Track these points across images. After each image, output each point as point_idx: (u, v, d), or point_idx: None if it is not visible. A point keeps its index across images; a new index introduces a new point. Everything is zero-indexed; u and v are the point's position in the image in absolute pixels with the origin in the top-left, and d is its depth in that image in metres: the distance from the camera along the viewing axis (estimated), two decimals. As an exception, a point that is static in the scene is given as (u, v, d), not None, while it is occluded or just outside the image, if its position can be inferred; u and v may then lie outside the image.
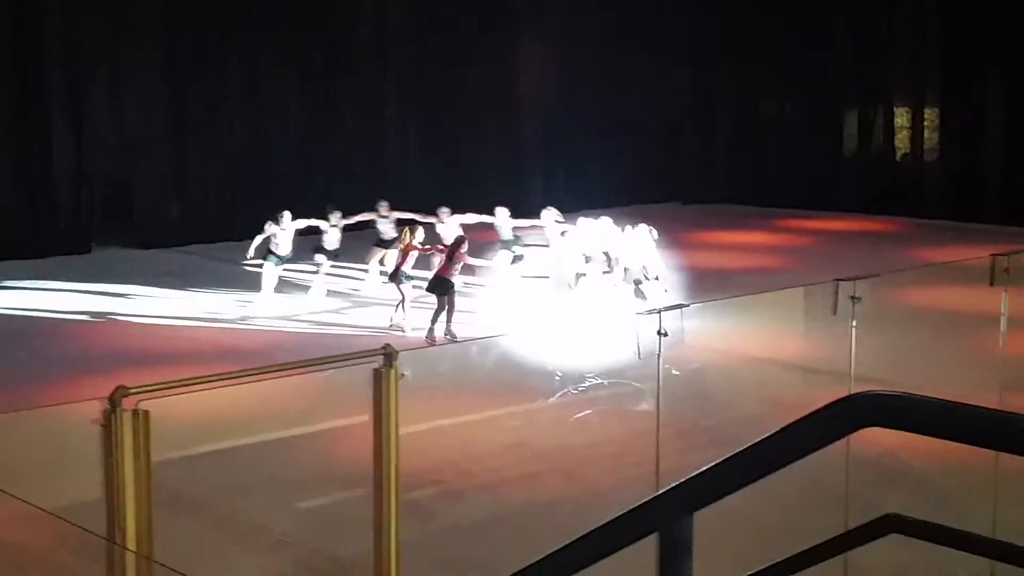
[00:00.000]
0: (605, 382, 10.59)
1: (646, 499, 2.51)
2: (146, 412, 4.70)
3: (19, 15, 18.87)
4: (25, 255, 18.47)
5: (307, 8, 21.94)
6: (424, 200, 22.30)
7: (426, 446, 8.86)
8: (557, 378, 10.65)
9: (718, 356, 12.35)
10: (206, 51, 21.00)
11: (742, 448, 2.31)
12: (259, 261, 15.22)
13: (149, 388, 4.80)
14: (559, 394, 10.46)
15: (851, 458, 7.11)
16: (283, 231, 15.02)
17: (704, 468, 2.34)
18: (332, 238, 15.62)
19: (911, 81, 25.64)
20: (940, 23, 24.90)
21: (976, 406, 1.95)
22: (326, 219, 15.66)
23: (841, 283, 7.38)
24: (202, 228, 20.80)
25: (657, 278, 14.63)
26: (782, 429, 2.24)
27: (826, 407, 2.15)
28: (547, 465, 9.37)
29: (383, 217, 16.25)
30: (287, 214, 15.15)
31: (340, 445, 9.14)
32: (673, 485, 2.40)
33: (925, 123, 25.49)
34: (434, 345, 12.68)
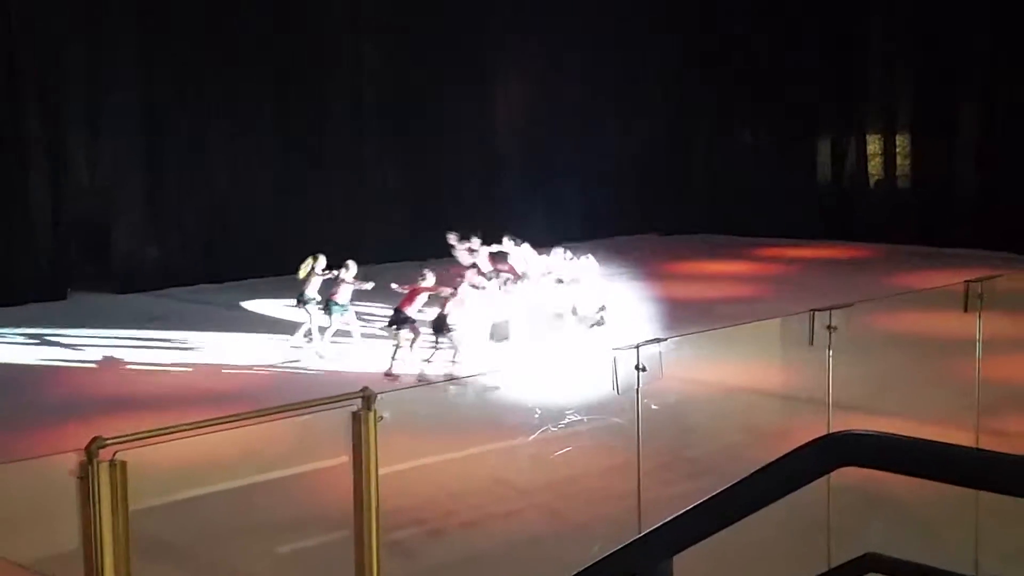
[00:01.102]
0: (584, 418, 10.57)
1: (625, 544, 2.51)
2: (123, 463, 4.65)
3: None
4: (2, 302, 18.34)
5: (284, 50, 21.98)
6: (402, 234, 22.49)
7: (407, 486, 8.83)
8: (536, 415, 10.64)
9: (697, 388, 12.36)
10: (182, 94, 20.98)
11: (720, 491, 2.32)
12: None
13: (126, 438, 4.75)
14: (539, 431, 10.44)
15: (832, 485, 7.12)
16: (347, 281, 14.61)
17: (682, 511, 2.34)
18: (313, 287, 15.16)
19: (883, 108, 25.89)
20: (912, 51, 25.16)
21: (951, 444, 1.96)
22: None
23: (817, 313, 7.41)
24: (179, 272, 20.73)
25: (602, 308, 14.96)
26: (759, 471, 2.24)
27: (802, 448, 2.16)
28: (529, 502, 9.34)
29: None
30: (352, 263, 14.66)
31: (320, 488, 9.08)
32: (652, 529, 2.39)
33: (898, 150, 25.72)
34: (395, 380, 12.71)
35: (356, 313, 14.91)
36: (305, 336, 14.77)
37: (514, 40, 25.45)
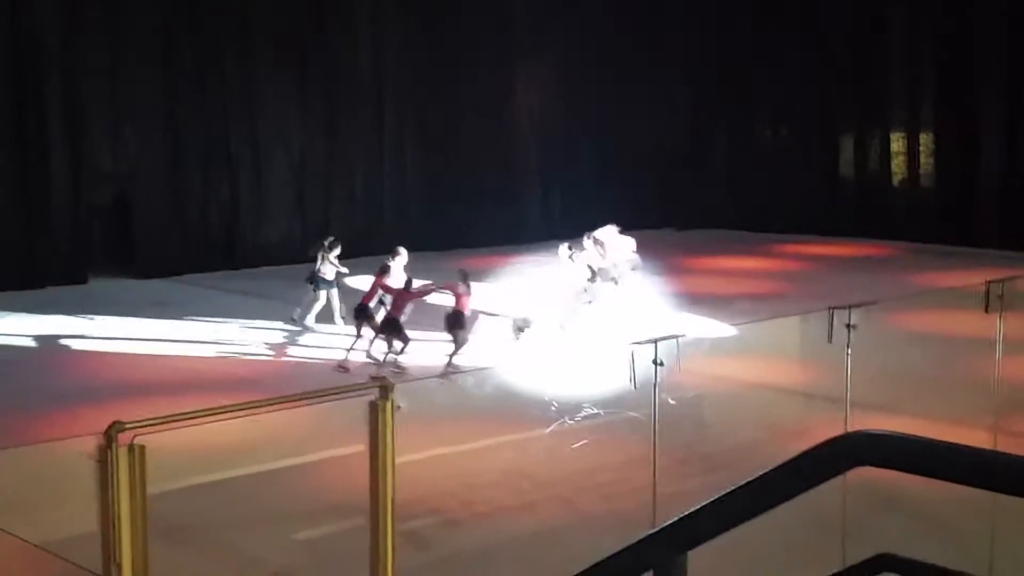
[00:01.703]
0: (601, 412, 10.58)
1: (640, 538, 2.51)
2: (142, 447, 4.68)
3: (17, 46, 18.91)
4: (22, 286, 18.47)
5: (305, 39, 22.04)
6: (421, 227, 22.52)
7: (423, 476, 8.85)
8: (553, 408, 10.64)
9: (715, 383, 12.35)
10: (205, 81, 21.05)
11: (735, 487, 2.32)
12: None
13: (145, 423, 4.78)
14: (556, 423, 10.45)
15: (848, 482, 7.10)
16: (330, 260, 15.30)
17: (698, 507, 2.34)
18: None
19: (907, 106, 25.75)
20: (936, 48, 25.02)
21: (968, 446, 1.96)
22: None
23: (836, 311, 7.39)
24: (200, 258, 20.83)
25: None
26: (775, 468, 2.24)
27: (819, 447, 2.16)
28: (545, 494, 9.35)
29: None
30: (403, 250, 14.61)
31: (336, 475, 9.12)
32: (668, 524, 2.40)
33: (921, 148, 25.56)
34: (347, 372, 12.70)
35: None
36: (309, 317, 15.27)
37: (535, 34, 25.40)
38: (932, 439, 2.02)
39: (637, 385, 6.56)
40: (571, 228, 24.82)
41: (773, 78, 26.59)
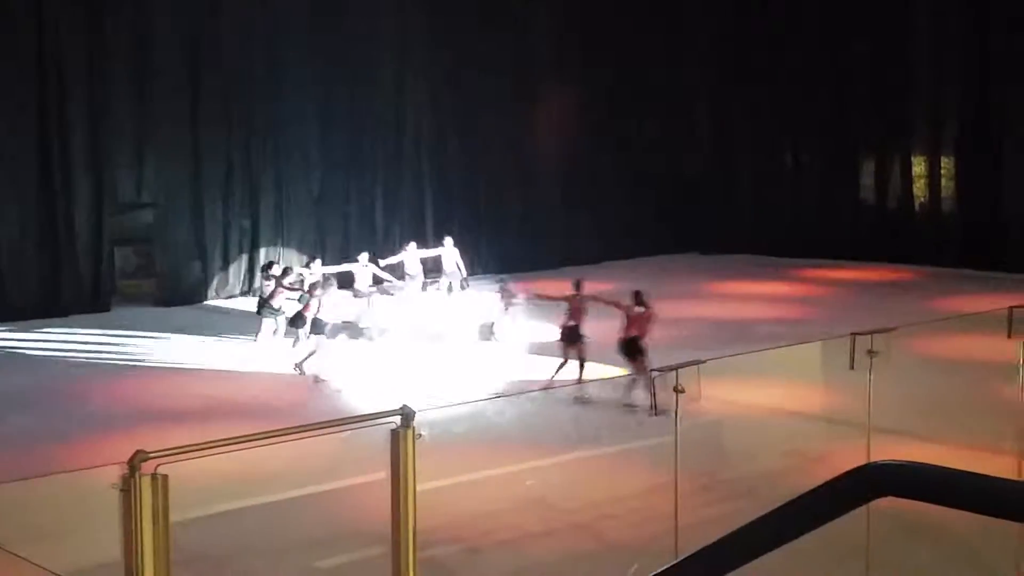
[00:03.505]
0: (621, 438, 10.55)
1: (665, 567, 2.51)
2: (165, 476, 4.70)
3: (43, 78, 19.10)
4: (47, 314, 18.59)
5: (328, 68, 22.13)
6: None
7: (444, 503, 8.84)
8: (574, 435, 10.63)
9: (737, 409, 12.29)
10: (227, 111, 21.17)
11: (757, 518, 2.32)
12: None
13: (168, 452, 4.81)
14: (577, 450, 10.43)
15: (871, 509, 7.05)
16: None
17: (721, 537, 2.34)
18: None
19: (928, 130, 25.66)
20: (957, 72, 24.96)
21: (992, 477, 1.95)
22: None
23: (858, 337, 7.36)
24: (221, 284, 20.95)
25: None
26: (797, 499, 2.24)
27: (840, 477, 2.15)
28: (566, 521, 9.32)
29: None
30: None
31: (357, 503, 9.12)
32: (690, 555, 2.39)
33: (943, 171, 25.46)
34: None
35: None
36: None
37: (556, 60, 25.49)
38: (953, 469, 2.02)
39: (658, 411, 6.55)
40: (595, 253, 24.98)
41: (796, 103, 26.58)
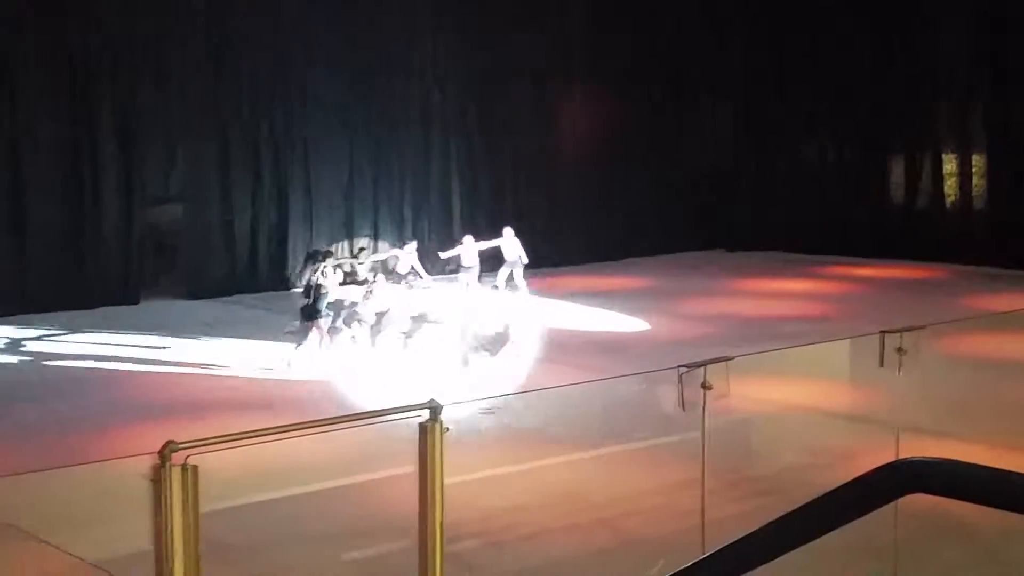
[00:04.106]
0: (648, 434, 10.54)
1: (692, 563, 2.51)
2: (195, 467, 4.76)
3: (72, 72, 19.25)
4: (75, 306, 18.73)
5: (357, 62, 22.20)
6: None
7: (470, 497, 8.86)
8: (600, 430, 10.63)
9: (765, 406, 12.26)
10: (256, 106, 21.28)
11: (786, 514, 2.32)
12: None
13: (198, 443, 4.86)
14: (604, 446, 10.43)
15: (899, 507, 7.02)
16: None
17: (749, 533, 2.34)
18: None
19: (958, 126, 25.46)
20: (988, 69, 24.77)
21: (1021, 474, 1.95)
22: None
23: (887, 335, 7.33)
24: (249, 278, 21.05)
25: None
26: (826, 495, 2.24)
27: (870, 473, 2.15)
28: (592, 516, 9.32)
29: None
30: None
31: (384, 496, 9.15)
32: (717, 550, 2.40)
33: (973, 169, 25.27)
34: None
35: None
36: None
37: (583, 55, 25.46)
38: (985, 466, 2.01)
39: (685, 407, 6.56)
40: (620, 249, 24.95)
41: (823, 98, 26.44)
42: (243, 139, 21.18)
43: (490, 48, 23.81)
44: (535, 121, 24.69)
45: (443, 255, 19.17)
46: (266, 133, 21.45)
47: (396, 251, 19.06)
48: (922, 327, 7.62)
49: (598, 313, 18.54)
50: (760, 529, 2.40)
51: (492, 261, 19.99)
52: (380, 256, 19.48)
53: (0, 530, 7.80)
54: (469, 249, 19.37)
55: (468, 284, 19.35)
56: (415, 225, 23.00)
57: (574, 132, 25.73)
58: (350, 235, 22.21)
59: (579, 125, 25.80)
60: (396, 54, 22.76)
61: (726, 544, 2.50)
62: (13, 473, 8.82)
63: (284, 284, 21.18)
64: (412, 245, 19.00)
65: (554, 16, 24.97)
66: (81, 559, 5.80)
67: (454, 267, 19.54)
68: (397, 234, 22.25)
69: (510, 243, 19.71)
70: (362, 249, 19.98)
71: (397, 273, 18.02)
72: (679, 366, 6.61)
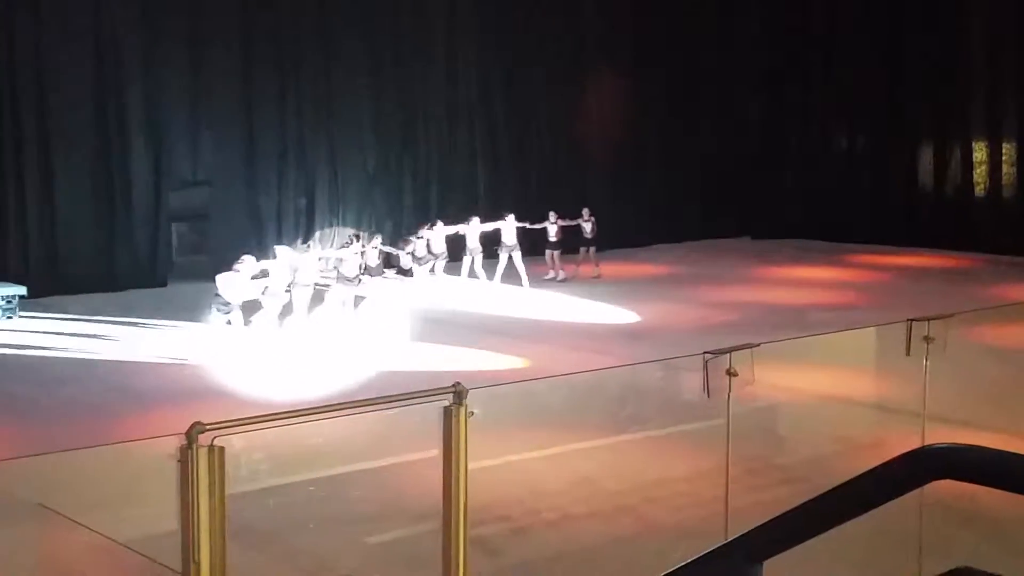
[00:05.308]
0: (672, 421, 10.53)
1: (714, 547, 2.51)
2: (221, 448, 4.77)
3: (99, 57, 19.35)
4: (103, 288, 18.86)
5: (381, 46, 22.24)
6: (487, 236, 22.59)
7: (493, 482, 8.88)
8: (624, 416, 10.63)
9: (790, 394, 12.23)
10: (282, 89, 21.37)
11: (811, 498, 2.31)
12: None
13: (224, 424, 4.87)
14: (627, 432, 10.43)
15: (923, 495, 7.00)
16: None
17: (773, 518, 2.34)
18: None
19: (989, 114, 25.23)
20: (1018, 56, 24.54)
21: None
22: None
23: (915, 323, 7.29)
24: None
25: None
26: (852, 480, 2.23)
27: (897, 459, 2.14)
28: (615, 503, 9.33)
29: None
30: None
31: (408, 479, 9.18)
32: (741, 534, 2.40)
33: (1004, 158, 25.04)
34: None
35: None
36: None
37: (607, 42, 25.38)
38: (1013, 452, 2.00)
39: (710, 394, 6.55)
40: (647, 237, 24.87)
41: (850, 85, 26.26)
42: (268, 124, 21.25)
43: (516, 33, 23.78)
44: (560, 107, 24.64)
45: (447, 231, 19.15)
46: (291, 118, 21.52)
47: (463, 226, 19.41)
48: (950, 315, 7.58)
49: (623, 299, 18.52)
50: (783, 514, 2.39)
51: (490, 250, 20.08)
52: (451, 229, 19.37)
53: (29, 510, 7.87)
54: (438, 235, 19.07)
55: (433, 271, 19.17)
56: (440, 208, 23.01)
57: (598, 119, 25.66)
58: (378, 217, 22.24)
59: (603, 112, 25.73)
60: (420, 43, 22.78)
61: (749, 529, 2.49)
62: (42, 452, 8.91)
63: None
64: (377, 239, 18.46)
65: (580, 4, 24.90)
66: (111, 538, 5.86)
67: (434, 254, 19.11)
68: (423, 217, 22.27)
69: (510, 228, 19.77)
70: (434, 223, 19.70)
71: (368, 266, 17.55)
72: (704, 352, 6.59)
